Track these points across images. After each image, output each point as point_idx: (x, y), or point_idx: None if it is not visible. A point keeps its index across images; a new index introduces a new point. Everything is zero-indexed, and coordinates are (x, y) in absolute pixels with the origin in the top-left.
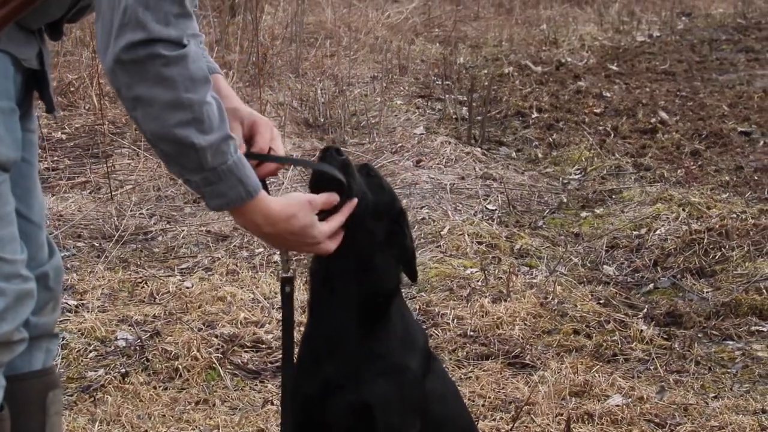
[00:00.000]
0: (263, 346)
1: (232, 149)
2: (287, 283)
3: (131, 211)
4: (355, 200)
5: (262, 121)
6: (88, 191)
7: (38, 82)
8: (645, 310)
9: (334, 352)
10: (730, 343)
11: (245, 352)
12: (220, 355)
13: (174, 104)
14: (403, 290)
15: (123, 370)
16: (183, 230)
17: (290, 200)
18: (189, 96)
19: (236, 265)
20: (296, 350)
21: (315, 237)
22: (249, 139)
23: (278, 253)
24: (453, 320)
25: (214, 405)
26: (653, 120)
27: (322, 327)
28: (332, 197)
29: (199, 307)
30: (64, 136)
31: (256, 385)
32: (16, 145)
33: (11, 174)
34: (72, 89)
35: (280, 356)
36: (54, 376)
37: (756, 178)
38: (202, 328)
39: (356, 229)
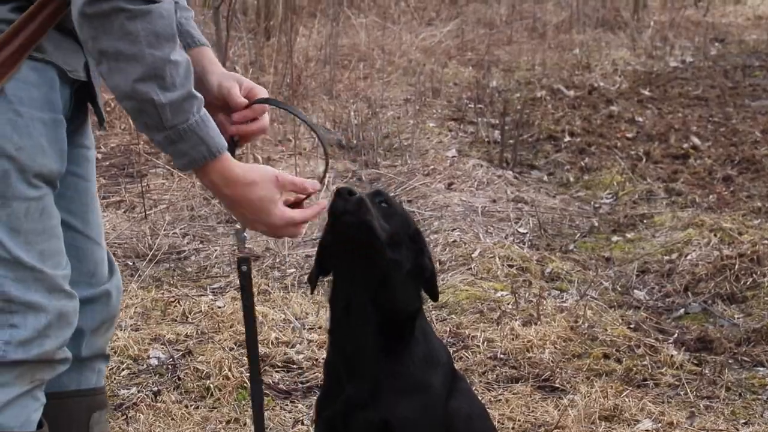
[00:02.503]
0: (294, 366)
1: (195, 108)
2: (243, 263)
3: (165, 230)
4: (325, 202)
5: (258, 88)
6: (123, 210)
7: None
8: (675, 335)
9: (354, 372)
10: (761, 369)
11: (276, 372)
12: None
13: (136, 58)
14: (432, 311)
15: (155, 389)
16: (215, 250)
17: (256, 168)
18: (152, 51)
19: (268, 286)
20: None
21: (274, 215)
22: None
23: (234, 229)
24: (483, 343)
25: (245, 424)
26: (685, 145)
27: (343, 350)
28: (305, 183)
29: (230, 327)
30: (99, 156)
31: (287, 405)
32: (59, 157)
33: (66, 190)
34: (108, 109)
35: (311, 376)
36: (102, 396)
37: None
38: (233, 348)
39: (376, 260)
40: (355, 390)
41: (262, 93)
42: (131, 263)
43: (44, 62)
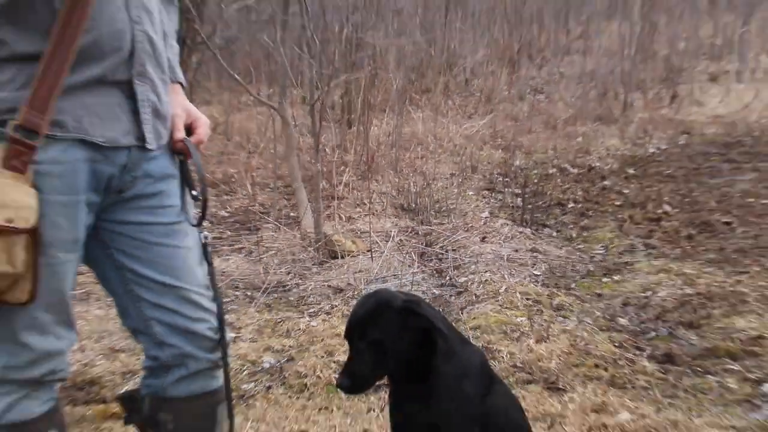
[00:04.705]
0: None
1: None
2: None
3: (273, 269)
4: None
5: (201, 120)
6: (243, 254)
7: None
8: (648, 351)
9: (408, 398)
10: (710, 377)
11: None
12: (336, 375)
13: None
14: (470, 332)
15: (267, 385)
16: (311, 284)
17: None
18: None
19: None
20: None
21: None
22: (189, 126)
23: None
24: (507, 355)
25: (332, 411)
26: (659, 211)
27: (396, 395)
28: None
29: (321, 341)
30: (226, 214)
31: (362, 397)
32: (75, 230)
33: (159, 258)
34: (233, 180)
35: None
36: (220, 394)
37: (733, 256)
38: (324, 356)
39: (391, 360)
40: (410, 407)
41: (203, 120)
42: (249, 293)
43: (67, 141)
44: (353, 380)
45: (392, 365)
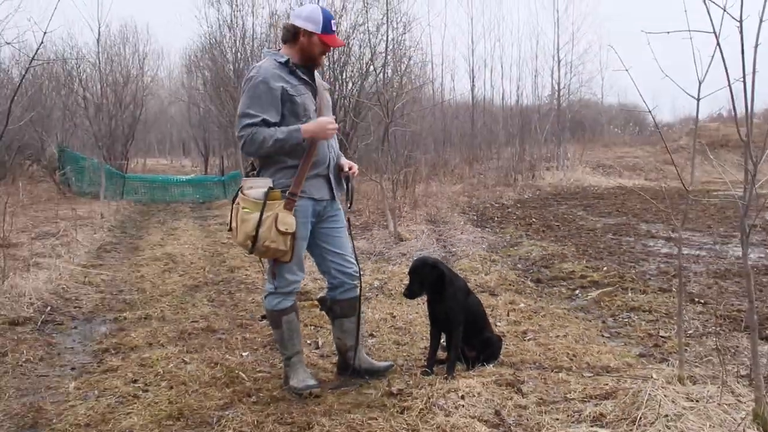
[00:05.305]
0: None
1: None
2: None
3: (377, 246)
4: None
5: (354, 164)
6: (365, 240)
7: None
8: (530, 277)
9: (435, 303)
10: (555, 288)
11: None
12: (403, 290)
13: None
14: (459, 271)
15: (376, 293)
16: (392, 252)
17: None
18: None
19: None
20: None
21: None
22: (350, 168)
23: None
24: (473, 281)
25: (402, 304)
26: (531, 220)
27: (431, 305)
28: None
29: (397, 275)
30: (358, 224)
31: (413, 302)
32: (306, 230)
33: (330, 237)
34: (360, 210)
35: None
36: (358, 297)
37: (561, 239)
38: (399, 282)
39: (427, 285)
40: (437, 307)
41: (355, 165)
42: (367, 255)
43: (305, 198)
44: (410, 293)
45: (427, 288)
